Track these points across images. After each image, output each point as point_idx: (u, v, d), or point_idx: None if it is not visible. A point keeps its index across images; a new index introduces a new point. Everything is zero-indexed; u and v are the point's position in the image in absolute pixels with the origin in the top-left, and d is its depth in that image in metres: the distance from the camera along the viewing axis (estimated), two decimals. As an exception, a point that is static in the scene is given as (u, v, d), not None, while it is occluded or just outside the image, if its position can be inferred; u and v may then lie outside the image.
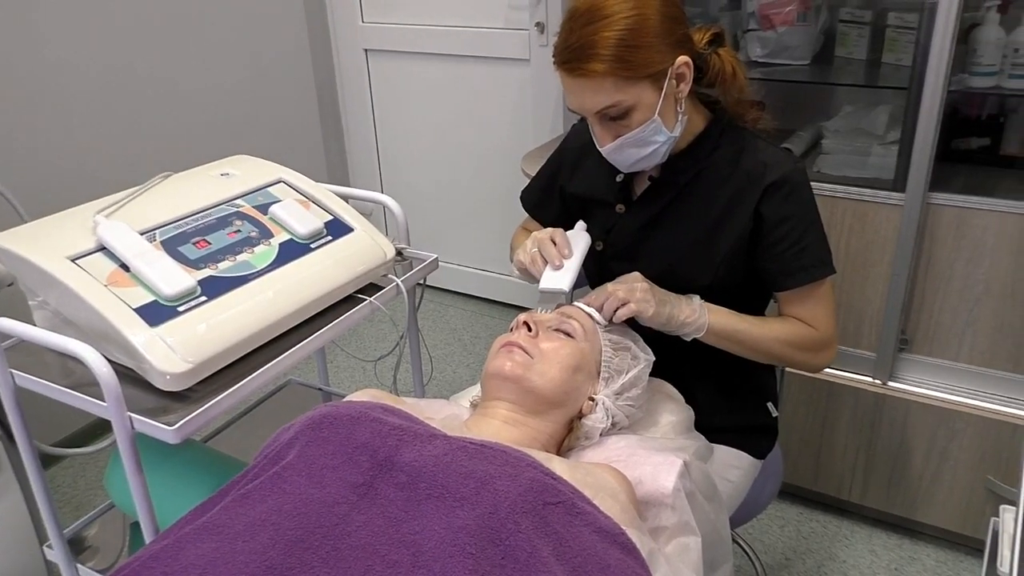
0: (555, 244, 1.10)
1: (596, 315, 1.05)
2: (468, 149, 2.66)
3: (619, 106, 1.00)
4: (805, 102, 1.89)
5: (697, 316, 1.04)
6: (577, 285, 1.11)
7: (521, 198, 1.34)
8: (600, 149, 1.07)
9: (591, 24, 0.97)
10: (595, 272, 1.22)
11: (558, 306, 1.08)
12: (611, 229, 1.18)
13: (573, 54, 0.98)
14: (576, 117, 1.11)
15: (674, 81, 1.02)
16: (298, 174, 1.26)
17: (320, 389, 1.58)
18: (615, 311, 1.02)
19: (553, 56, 1.01)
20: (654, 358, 1.09)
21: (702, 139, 1.11)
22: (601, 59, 0.96)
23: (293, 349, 1.01)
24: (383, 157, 2.86)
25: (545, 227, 1.17)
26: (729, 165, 1.09)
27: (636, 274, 1.05)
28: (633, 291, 1.02)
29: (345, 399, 0.99)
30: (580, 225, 1.17)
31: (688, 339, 1.05)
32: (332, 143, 2.84)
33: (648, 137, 1.04)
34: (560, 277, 1.08)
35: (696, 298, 1.06)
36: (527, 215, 1.35)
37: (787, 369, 1.48)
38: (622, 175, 1.16)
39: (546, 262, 1.10)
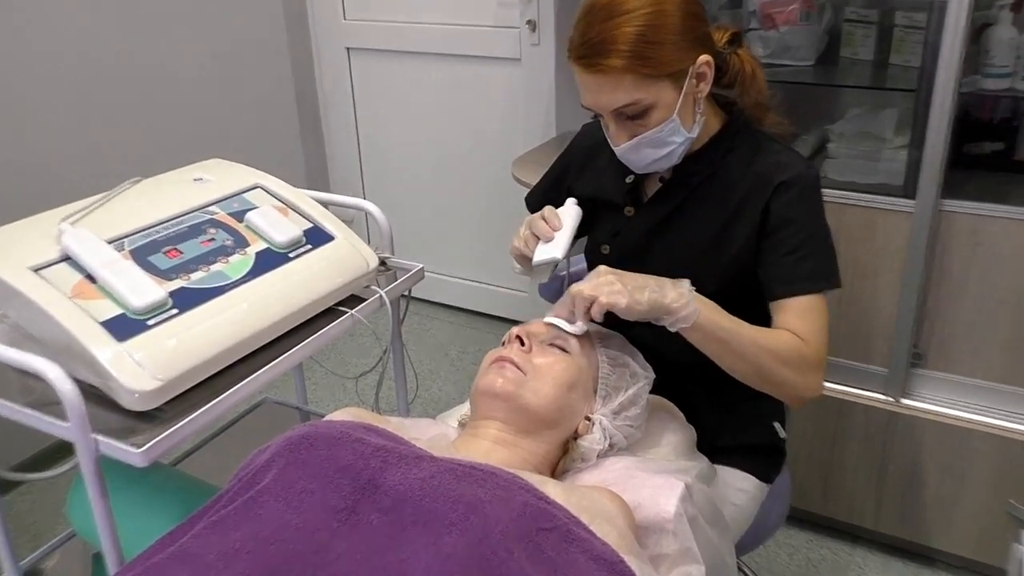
0: (545, 220, 1.12)
1: (567, 326, 1.02)
2: (455, 153, 2.67)
3: (637, 104, 1.01)
4: (809, 104, 1.91)
5: (686, 302, 0.98)
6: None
7: (526, 200, 1.36)
8: (615, 149, 1.08)
9: (611, 19, 0.98)
10: None
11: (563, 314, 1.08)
12: (619, 232, 1.19)
13: (591, 49, 0.99)
14: (588, 115, 1.12)
15: (694, 80, 1.03)
16: (276, 179, 1.27)
17: (298, 408, 1.59)
18: (586, 311, 0.99)
19: (568, 51, 1.02)
20: (654, 375, 1.09)
21: (717, 140, 1.12)
22: (620, 55, 0.97)
23: (269, 365, 1.01)
24: (366, 161, 2.87)
25: None
26: (743, 167, 1.11)
27: (601, 267, 1.01)
28: (599, 286, 0.98)
29: (325, 418, 0.99)
30: (570, 200, 1.18)
31: (673, 329, 0.99)
32: (312, 146, 2.85)
33: (665, 137, 1.05)
34: (551, 247, 1.09)
35: (685, 283, 1.00)
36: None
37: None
38: (632, 176, 1.17)
39: (538, 240, 1.12)
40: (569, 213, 1.15)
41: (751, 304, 1.11)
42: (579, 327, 1.02)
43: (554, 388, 0.97)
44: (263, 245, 1.14)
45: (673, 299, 0.98)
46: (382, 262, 1.26)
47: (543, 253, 1.10)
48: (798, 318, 1.05)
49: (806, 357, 1.03)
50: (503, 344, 1.04)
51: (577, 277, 1.13)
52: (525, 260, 1.15)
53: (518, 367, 0.97)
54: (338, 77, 2.78)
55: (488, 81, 2.51)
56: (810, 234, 1.07)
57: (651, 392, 1.09)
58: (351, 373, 2.44)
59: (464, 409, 1.14)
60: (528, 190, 1.38)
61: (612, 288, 0.98)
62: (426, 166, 2.74)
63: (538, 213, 1.14)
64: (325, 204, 1.28)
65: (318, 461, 0.82)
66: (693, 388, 1.18)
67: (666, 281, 1.00)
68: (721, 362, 1.04)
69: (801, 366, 1.03)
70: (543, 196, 1.33)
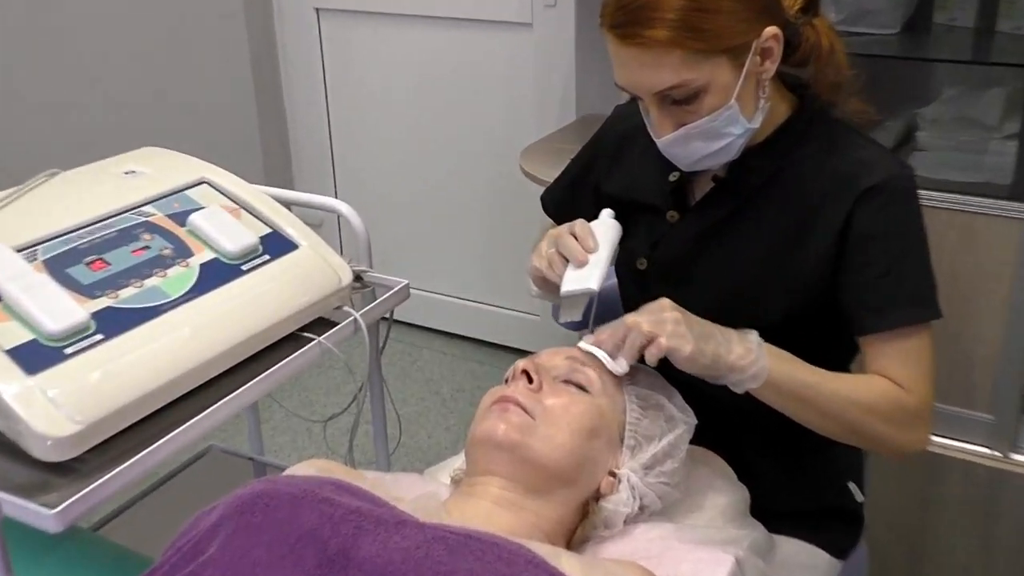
0: (576, 238, 1.11)
1: (609, 362, 1.03)
2: (450, 141, 2.68)
3: (686, 87, 1.01)
4: (893, 83, 1.90)
5: (754, 359, 1.00)
6: (610, 313, 1.12)
7: (543, 199, 1.36)
8: (657, 141, 1.08)
9: None
10: (636, 298, 1.21)
11: (582, 331, 1.08)
12: (658, 242, 1.19)
13: (629, 16, 0.99)
14: (620, 96, 1.13)
15: (758, 57, 1.03)
16: (227, 173, 1.28)
17: (251, 459, 1.58)
18: (639, 350, 1.01)
19: (600, 16, 1.02)
20: (696, 421, 1.09)
21: (785, 131, 1.12)
22: (666, 25, 0.97)
23: (216, 405, 1.02)
24: (338, 151, 2.88)
25: None
26: (816, 165, 1.11)
27: (664, 300, 1.03)
28: (662, 323, 1.00)
29: (285, 472, 0.99)
30: (606, 213, 1.18)
31: (739, 390, 1.03)
32: (271, 132, 2.86)
33: (721, 128, 1.05)
34: (585, 275, 1.09)
35: (753, 335, 1.03)
36: (550, 221, 1.37)
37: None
38: (677, 173, 1.17)
39: (567, 261, 1.11)
40: (606, 231, 1.14)
41: (826, 339, 1.11)
42: (622, 365, 1.03)
43: (570, 436, 0.97)
44: (210, 255, 1.14)
45: (739, 355, 1.00)
46: (357, 277, 1.26)
47: (574, 282, 1.09)
48: (895, 358, 1.06)
49: (908, 409, 1.05)
50: (506, 381, 1.04)
51: (606, 296, 1.13)
52: (548, 285, 1.15)
53: (525, 410, 0.97)
54: (305, 46, 2.80)
55: (491, 51, 2.53)
56: (906, 251, 1.07)
57: (692, 442, 1.09)
58: (318, 415, 2.44)
59: (459, 462, 1.14)
60: (540, 187, 1.41)
61: (677, 329, 0.99)
62: (413, 157, 2.76)
63: (566, 226, 1.14)
64: (288, 204, 1.29)
65: (276, 526, 0.82)
66: (746, 437, 1.18)
67: (732, 333, 1.02)
68: (800, 420, 1.06)
69: (903, 421, 1.05)
70: (563, 195, 1.34)
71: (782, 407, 1.05)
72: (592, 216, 1.27)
